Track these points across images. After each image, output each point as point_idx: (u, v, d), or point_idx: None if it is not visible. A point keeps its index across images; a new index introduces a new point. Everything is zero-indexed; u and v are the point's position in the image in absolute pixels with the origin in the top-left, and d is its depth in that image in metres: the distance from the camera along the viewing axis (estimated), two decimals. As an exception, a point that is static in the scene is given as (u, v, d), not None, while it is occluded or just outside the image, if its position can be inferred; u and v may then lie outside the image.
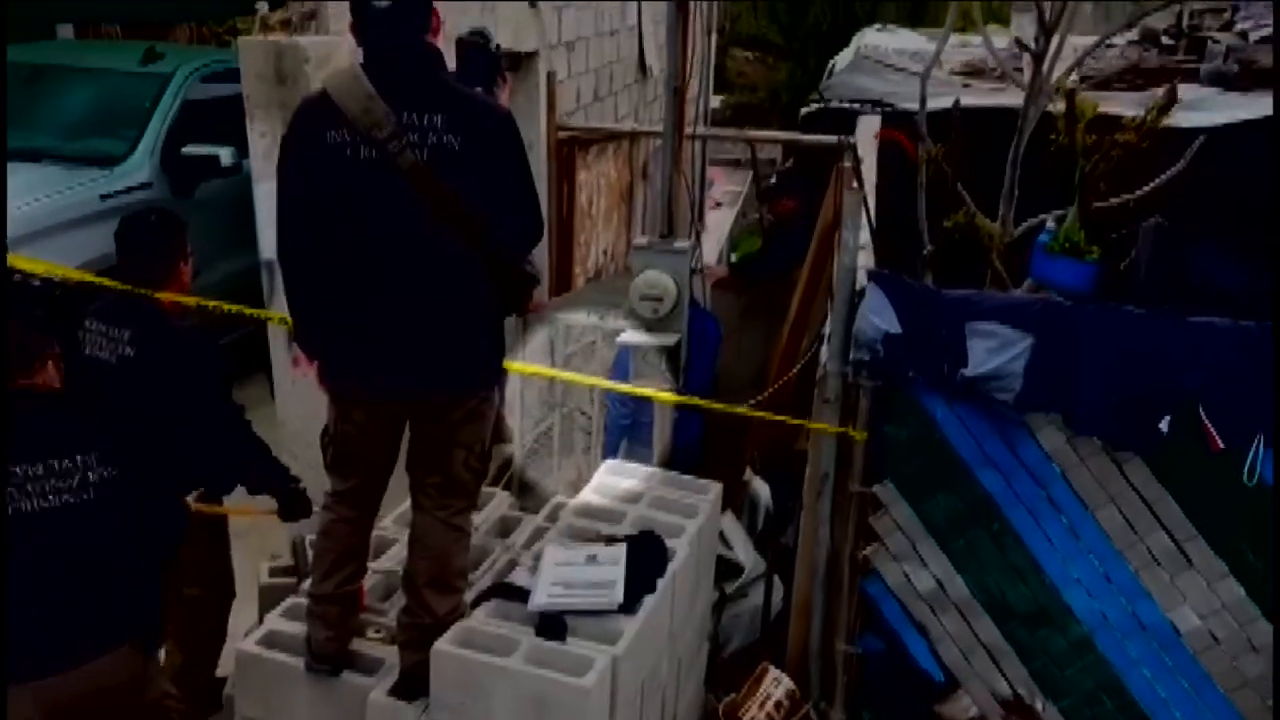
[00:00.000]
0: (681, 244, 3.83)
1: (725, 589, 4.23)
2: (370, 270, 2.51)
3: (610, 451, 4.25)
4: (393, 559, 3.38)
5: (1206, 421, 3.00)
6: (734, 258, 10.65)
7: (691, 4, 3.69)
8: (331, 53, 3.74)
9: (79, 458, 2.38)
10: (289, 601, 3.15)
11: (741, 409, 3.80)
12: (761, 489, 4.66)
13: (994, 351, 3.16)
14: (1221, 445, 3.00)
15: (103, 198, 5.30)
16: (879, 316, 3.25)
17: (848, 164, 4.64)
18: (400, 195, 2.44)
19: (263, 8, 3.76)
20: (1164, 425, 3.04)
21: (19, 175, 5.03)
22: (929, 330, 3.22)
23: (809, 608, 3.69)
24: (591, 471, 4.43)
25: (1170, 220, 5.77)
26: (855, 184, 4.28)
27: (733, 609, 4.31)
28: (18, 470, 2.31)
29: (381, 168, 2.43)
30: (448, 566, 2.77)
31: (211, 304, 3.30)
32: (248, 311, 3.51)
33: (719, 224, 11.30)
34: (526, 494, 4.88)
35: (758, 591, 4.33)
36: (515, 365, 3.91)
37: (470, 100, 2.57)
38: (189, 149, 5.65)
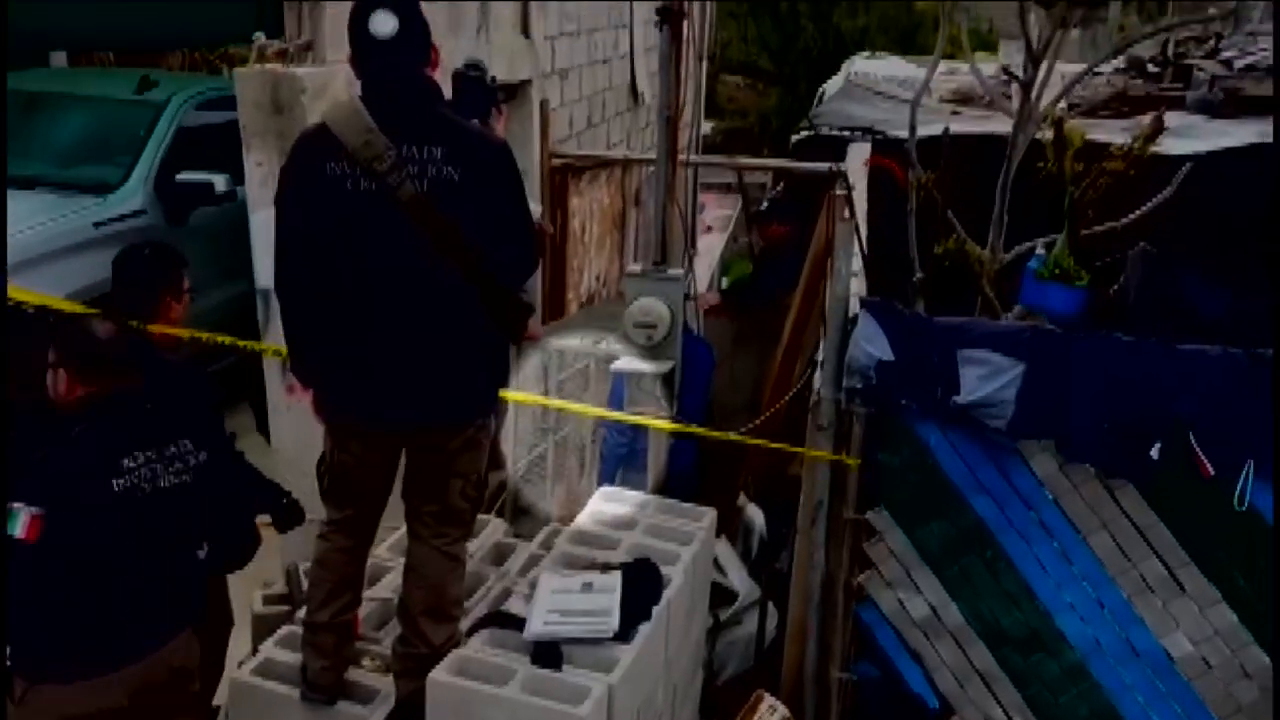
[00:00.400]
0: (675, 271, 3.86)
1: (719, 615, 4.23)
2: (369, 302, 2.52)
3: (607, 480, 4.25)
4: (387, 587, 3.37)
5: (1197, 449, 3.03)
6: (725, 282, 10.71)
7: (684, 32, 3.72)
8: (328, 83, 3.77)
9: (182, 443, 2.60)
10: (284, 630, 3.15)
11: (737, 436, 3.81)
12: (756, 515, 4.67)
13: (986, 379, 3.18)
14: (1212, 472, 3.03)
15: (96, 225, 5.30)
16: (872, 344, 3.28)
17: (840, 192, 4.68)
18: (400, 227, 2.46)
19: (259, 37, 3.78)
20: (1155, 452, 3.07)
21: (15, 203, 5.03)
22: (921, 358, 3.25)
23: (804, 634, 3.70)
24: (586, 497, 4.43)
25: (1158, 246, 5.83)
26: (847, 212, 4.33)
27: (727, 636, 4.31)
28: (141, 455, 2.51)
29: (381, 200, 2.45)
30: (444, 595, 2.77)
31: (204, 335, 3.30)
32: (240, 343, 3.51)
33: (710, 248, 11.36)
34: (521, 519, 4.89)
35: (752, 618, 4.33)
36: (513, 395, 3.92)
37: (468, 132, 2.59)
38: (183, 176, 5.65)
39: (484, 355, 2.66)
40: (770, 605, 4.28)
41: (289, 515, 3.34)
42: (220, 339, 3.26)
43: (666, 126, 3.71)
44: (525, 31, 5.62)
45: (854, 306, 3.43)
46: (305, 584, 3.63)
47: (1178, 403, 3.06)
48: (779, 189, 10.40)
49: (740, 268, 11.67)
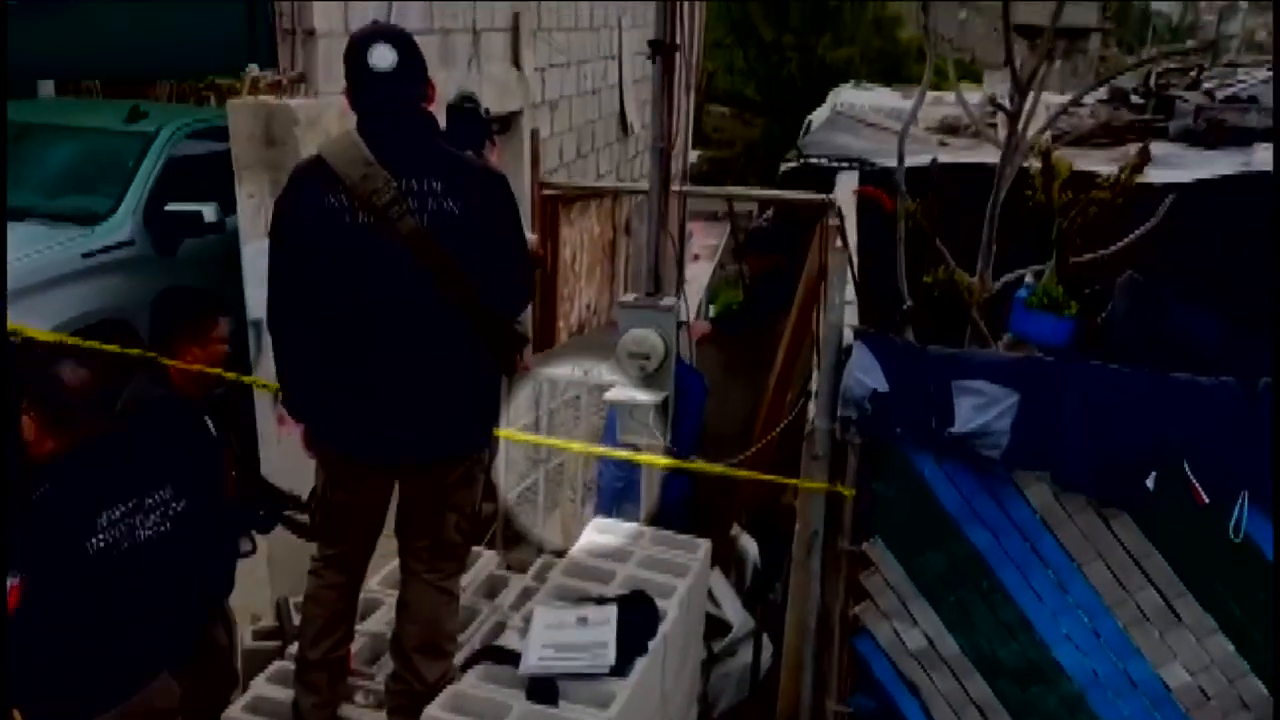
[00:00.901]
0: (668, 301, 3.85)
1: (714, 647, 4.20)
2: (367, 335, 2.51)
3: (604, 514, 4.23)
4: (379, 621, 3.34)
5: (1192, 478, 3.03)
6: (713, 310, 10.72)
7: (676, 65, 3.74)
8: (321, 115, 3.77)
9: (161, 491, 2.55)
10: (275, 666, 3.11)
11: (731, 468, 3.80)
12: (749, 546, 4.65)
13: (980, 409, 3.18)
14: (1206, 500, 3.03)
15: (84, 256, 5.28)
16: (866, 374, 3.27)
17: (832, 222, 4.70)
18: (399, 260, 2.45)
19: (253, 69, 3.78)
20: (1150, 482, 3.07)
21: (1, 234, 5.02)
22: (916, 388, 3.25)
23: (800, 667, 3.67)
24: (577, 526, 4.41)
25: (1144, 274, 5.87)
26: (840, 242, 4.34)
27: (721, 668, 4.28)
28: (118, 509, 2.45)
29: (380, 233, 2.44)
30: (438, 631, 2.74)
31: (196, 367, 3.28)
32: (230, 376, 3.48)
33: (697, 276, 11.39)
34: (513, 548, 4.85)
35: (746, 650, 4.31)
36: (510, 433, 3.90)
37: (467, 165, 2.59)
38: (172, 206, 5.64)
39: (480, 388, 2.65)
40: (765, 637, 4.25)
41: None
42: (217, 372, 3.23)
43: (659, 158, 3.71)
44: (516, 63, 5.65)
45: (847, 336, 3.43)
46: (296, 618, 3.60)
47: (1172, 432, 3.06)
48: (764, 217, 10.45)
49: (728, 295, 11.72)
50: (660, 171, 3.72)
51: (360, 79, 2.51)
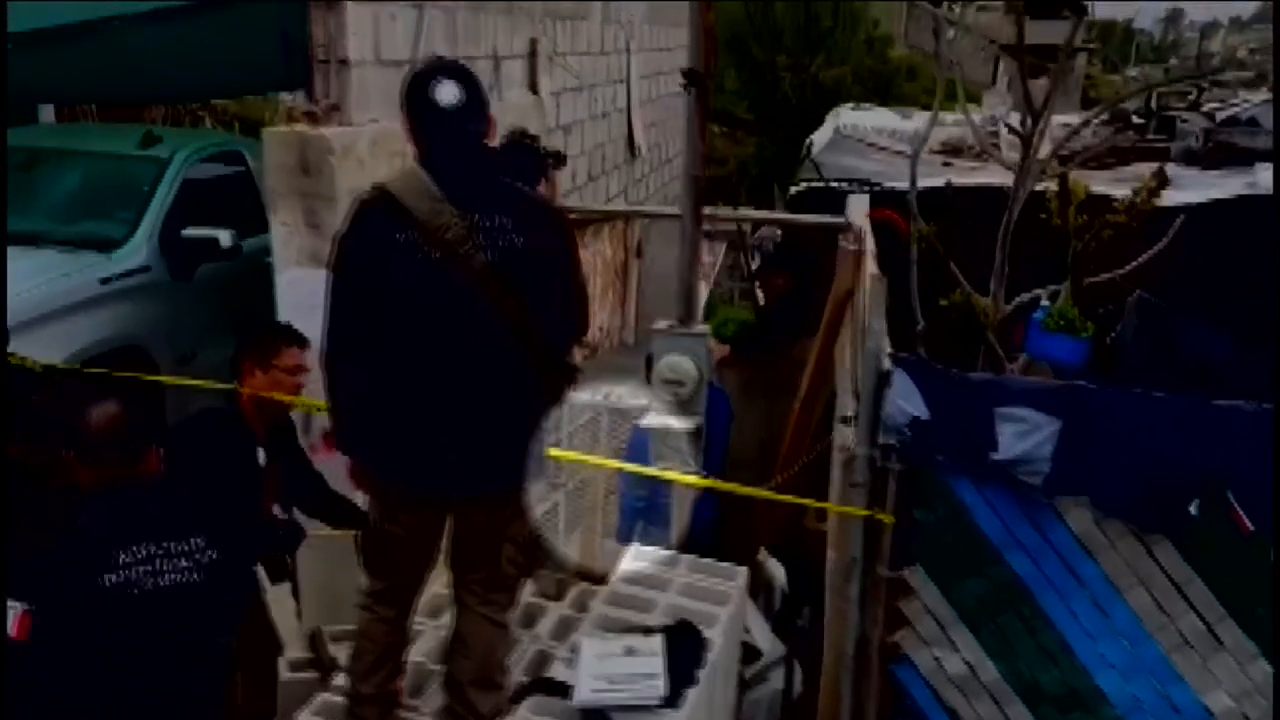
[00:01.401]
0: (700, 328, 3.87)
1: (744, 673, 4.19)
2: (431, 370, 2.50)
3: (624, 535, 4.23)
4: (419, 651, 3.32)
5: (1235, 505, 3.04)
6: (710, 327, 10.72)
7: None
8: (354, 144, 3.77)
9: (194, 539, 2.43)
10: (319, 699, 3.09)
11: (765, 492, 3.80)
12: (776, 570, 4.65)
13: (1023, 436, 3.19)
14: (1251, 528, 3.04)
15: (101, 282, 5.26)
16: (907, 402, 3.28)
17: (851, 246, 4.72)
18: (466, 296, 2.45)
19: (287, 97, 3.79)
20: (1194, 509, 3.08)
21: (19, 260, 4.98)
22: (958, 415, 3.25)
23: (838, 694, 3.66)
24: (599, 549, 4.40)
25: (1154, 294, 5.92)
26: (864, 267, 4.36)
27: (751, 694, 4.27)
28: (143, 551, 2.37)
29: (449, 268, 2.44)
30: (491, 664, 2.74)
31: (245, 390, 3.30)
32: (291, 399, 3.48)
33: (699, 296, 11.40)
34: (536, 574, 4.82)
35: (776, 676, 4.29)
36: (562, 454, 3.90)
37: (532, 201, 2.60)
38: (189, 231, 5.63)
39: (536, 420, 2.65)
40: (795, 662, 4.24)
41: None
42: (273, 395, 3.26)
43: (693, 186, 3.73)
44: (533, 88, 5.67)
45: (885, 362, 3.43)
46: (331, 648, 3.59)
47: (1214, 458, 3.08)
48: (761, 235, 10.46)
49: (724, 312, 11.73)
50: (693, 199, 3.73)
51: (424, 114, 2.50)
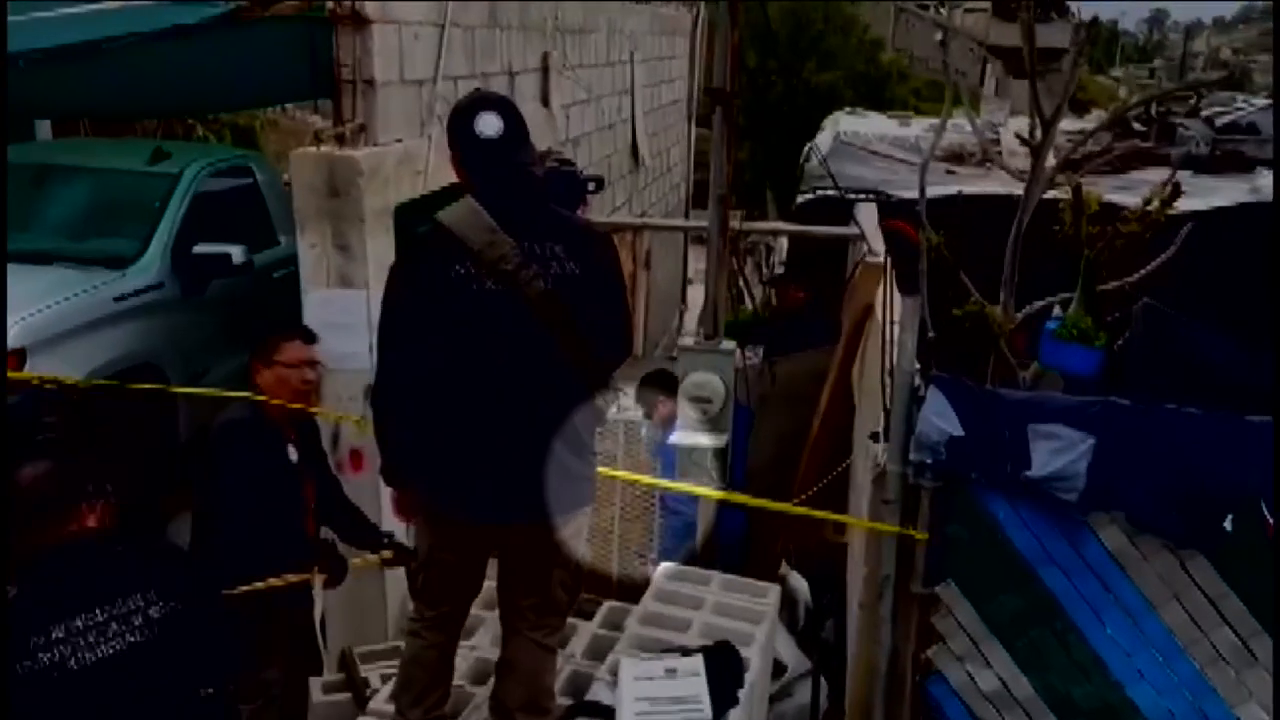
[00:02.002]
0: (728, 345, 3.87)
1: (769, 689, 4.20)
2: (493, 399, 2.50)
3: (669, 554, 4.23)
4: (456, 674, 3.31)
5: (1270, 518, 3.06)
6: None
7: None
8: (381, 165, 3.76)
9: (138, 596, 2.28)
10: (360, 724, 3.08)
11: (791, 506, 3.80)
12: (799, 584, 4.65)
13: (1057, 453, 3.21)
14: (1287, 542, 3.06)
15: (116, 300, 5.23)
16: (941, 419, 3.29)
17: (875, 259, 4.73)
18: (527, 324, 2.45)
19: (316, 119, 3.77)
20: (1228, 524, 3.10)
21: (34, 279, 4.96)
22: (992, 432, 3.27)
23: (867, 709, 3.67)
24: (616, 564, 4.41)
25: (1161, 301, 5.95)
26: (885, 280, 4.37)
27: (776, 709, 4.27)
28: (79, 622, 2.20)
29: (506, 298, 2.44)
30: (540, 689, 2.73)
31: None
32: (322, 413, 3.49)
33: (694, 300, 11.45)
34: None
35: (801, 690, 4.30)
36: (614, 472, 3.91)
37: (582, 228, 2.61)
38: (200, 248, 5.60)
39: (585, 444, 2.65)
40: (820, 677, 4.25)
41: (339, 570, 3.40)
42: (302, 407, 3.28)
43: (719, 205, 3.73)
44: (545, 102, 5.67)
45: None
46: (362, 669, 3.58)
47: (1249, 473, 3.10)
48: (751, 242, 10.42)
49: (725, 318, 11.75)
50: (720, 218, 3.74)
51: (469, 146, 2.52)
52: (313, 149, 3.69)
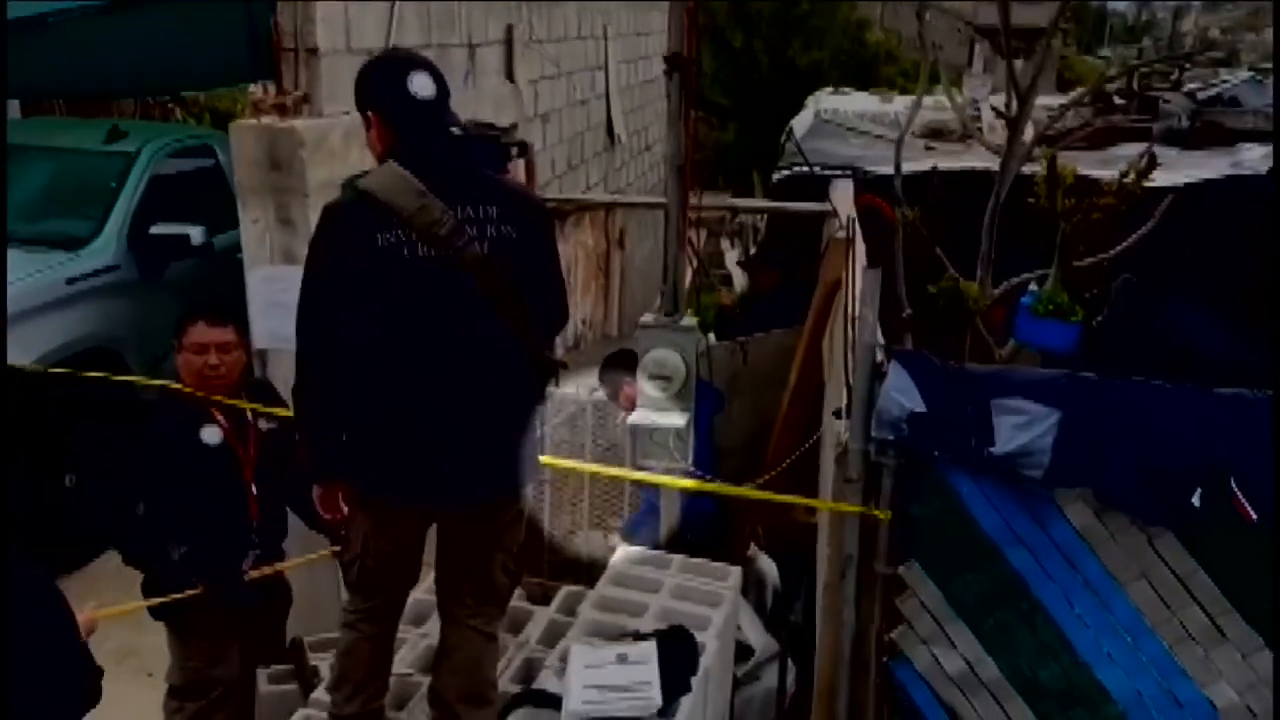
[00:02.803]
0: (689, 322, 3.76)
1: (736, 672, 4.11)
2: (428, 375, 2.36)
3: (636, 531, 4.14)
4: (402, 662, 3.22)
5: (1239, 494, 2.97)
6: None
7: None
8: (326, 136, 3.64)
9: None
10: (299, 716, 2.98)
11: (753, 489, 3.71)
12: (768, 567, 4.56)
13: (1021, 428, 3.11)
14: (1255, 518, 2.97)
15: (68, 282, 5.11)
16: (903, 395, 3.19)
17: (839, 233, 4.62)
18: (463, 291, 2.32)
19: (255, 89, 3.65)
20: (1196, 499, 3.01)
21: (-20, 261, 4.83)
22: (955, 408, 3.17)
23: (833, 693, 3.58)
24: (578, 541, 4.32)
25: (1140, 277, 5.86)
26: (853, 255, 4.27)
27: (744, 692, 4.19)
28: None
29: (442, 265, 2.31)
30: (480, 678, 2.63)
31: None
32: (262, 409, 3.34)
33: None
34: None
35: (769, 673, 4.21)
36: (554, 461, 3.80)
37: (514, 190, 2.51)
38: (158, 228, 5.48)
39: (529, 420, 2.54)
40: (789, 660, 4.16)
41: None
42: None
43: (678, 177, 3.62)
44: (510, 76, 5.54)
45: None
46: (312, 659, 3.47)
47: (1217, 448, 3.00)
48: (739, 222, 10.32)
49: (706, 299, 11.63)
50: (680, 190, 3.62)
51: (401, 108, 2.38)
52: (252, 120, 3.56)
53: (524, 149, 3.99)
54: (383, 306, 2.34)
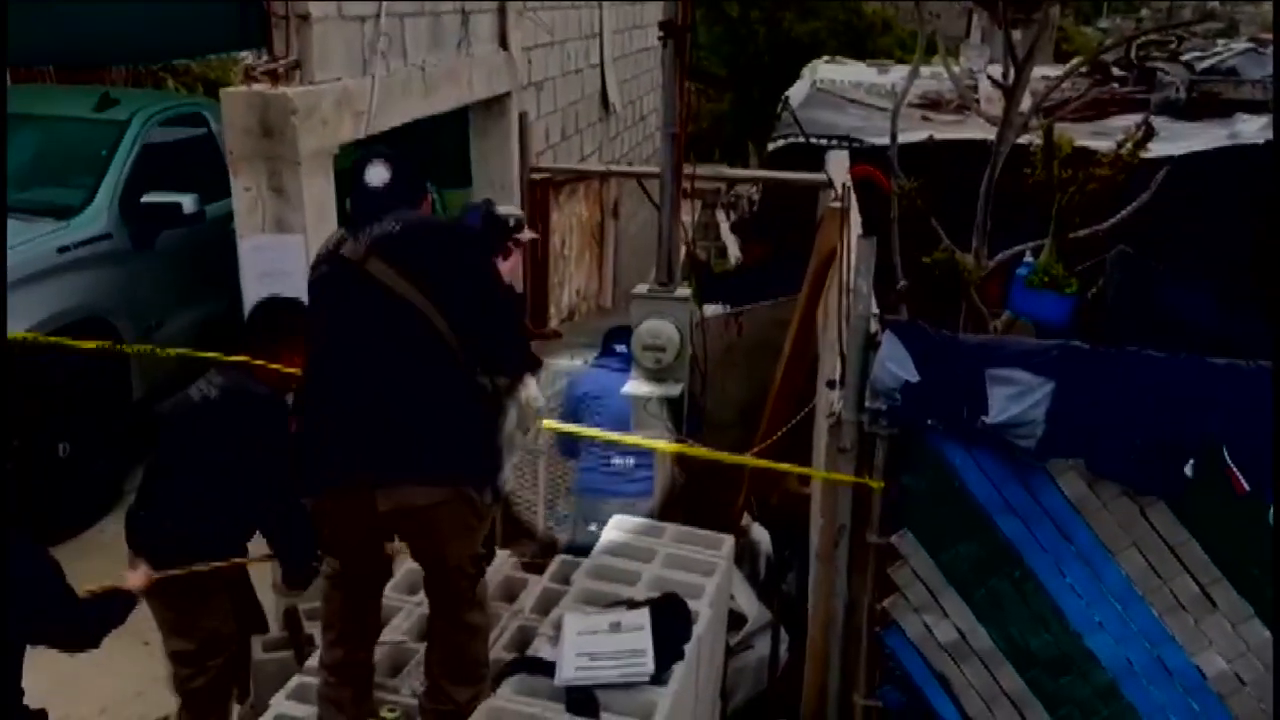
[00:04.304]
0: (683, 292, 3.75)
1: (729, 641, 4.13)
2: (346, 363, 2.60)
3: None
4: (398, 630, 3.24)
5: (1231, 464, 2.98)
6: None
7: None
8: (318, 104, 3.61)
9: None
10: (295, 682, 3.00)
11: (750, 459, 3.71)
12: (761, 536, 4.58)
13: (1015, 398, 3.11)
14: (1247, 488, 2.98)
15: (60, 250, 5.08)
16: (897, 365, 3.19)
17: (834, 204, 4.61)
18: (372, 295, 2.57)
19: (247, 56, 3.61)
20: (1189, 469, 3.02)
21: (-28, 230, 4.80)
22: (948, 378, 3.17)
23: (825, 661, 3.60)
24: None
25: (1136, 248, 5.85)
26: (849, 225, 4.26)
27: (737, 661, 4.22)
28: None
29: (348, 272, 2.60)
30: (463, 659, 2.70)
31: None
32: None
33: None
34: (511, 543, 4.76)
35: (762, 642, 4.25)
36: (549, 423, 3.82)
37: (430, 220, 2.89)
38: (149, 197, 5.43)
39: (467, 416, 2.57)
40: (781, 629, 4.19)
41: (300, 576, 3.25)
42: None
43: (672, 144, 3.60)
44: (504, 44, 5.49)
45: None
46: (307, 627, 3.49)
47: (1210, 418, 3.01)
48: (735, 194, 10.26)
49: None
50: (674, 158, 3.60)
51: (356, 191, 2.69)
52: (243, 87, 3.52)
53: (520, 224, 4.07)
54: (323, 328, 2.69)
